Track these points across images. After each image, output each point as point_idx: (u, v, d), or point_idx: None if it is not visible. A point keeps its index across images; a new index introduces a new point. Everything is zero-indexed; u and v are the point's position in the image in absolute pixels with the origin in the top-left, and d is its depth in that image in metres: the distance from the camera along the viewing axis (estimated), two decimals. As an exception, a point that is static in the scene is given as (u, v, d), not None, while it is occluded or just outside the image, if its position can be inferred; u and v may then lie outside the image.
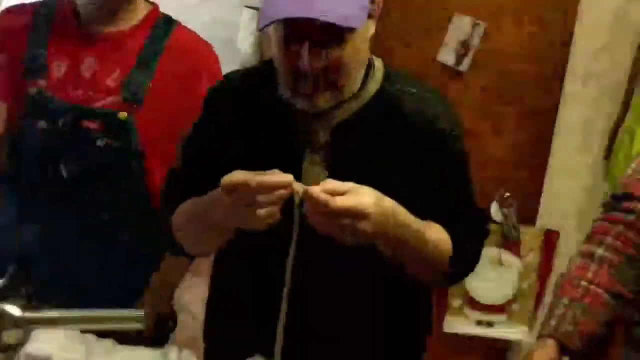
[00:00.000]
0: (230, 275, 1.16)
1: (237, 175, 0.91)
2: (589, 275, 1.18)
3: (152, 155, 1.33)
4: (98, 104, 1.31)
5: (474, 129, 2.32)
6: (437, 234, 1.05)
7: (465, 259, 1.09)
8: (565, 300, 1.15)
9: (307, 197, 0.89)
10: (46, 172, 1.31)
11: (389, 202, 0.95)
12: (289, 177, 0.91)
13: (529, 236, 2.37)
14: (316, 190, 0.89)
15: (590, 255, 1.22)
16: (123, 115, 1.29)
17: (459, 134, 1.11)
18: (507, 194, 2.35)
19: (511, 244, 2.37)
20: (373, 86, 1.08)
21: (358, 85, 1.05)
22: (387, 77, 1.09)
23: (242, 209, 0.92)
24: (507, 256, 2.39)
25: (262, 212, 0.90)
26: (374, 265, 1.03)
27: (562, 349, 1.11)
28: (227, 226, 1.01)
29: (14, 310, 0.94)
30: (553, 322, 1.12)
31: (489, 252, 2.38)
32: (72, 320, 0.96)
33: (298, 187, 0.91)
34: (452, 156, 1.10)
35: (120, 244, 1.34)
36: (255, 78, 1.13)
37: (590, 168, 2.33)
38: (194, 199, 1.08)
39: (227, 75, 1.20)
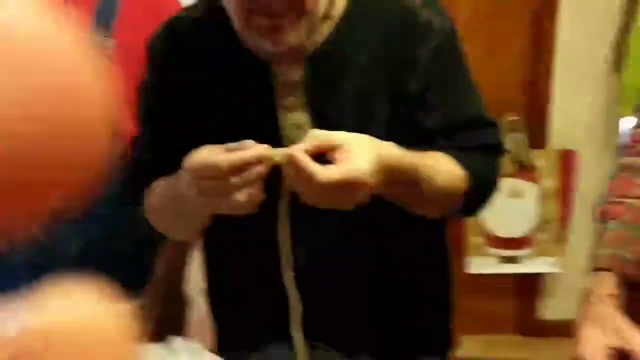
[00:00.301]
0: (225, 260, 1.01)
1: (202, 157, 0.74)
2: (637, 190, 1.01)
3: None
4: None
5: (465, 49, 2.16)
6: (446, 167, 0.87)
7: (481, 185, 0.91)
8: (614, 224, 0.98)
9: (291, 164, 0.73)
10: None
11: (386, 154, 0.78)
12: (263, 149, 0.74)
13: (544, 159, 2.22)
14: (299, 156, 0.72)
15: (631, 168, 1.05)
16: None
17: (451, 28, 0.91)
18: (514, 118, 2.19)
19: (525, 170, 2.23)
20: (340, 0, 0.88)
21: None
22: None
23: (216, 196, 0.75)
24: (522, 184, 2.24)
25: (240, 196, 0.74)
26: (378, 214, 0.88)
27: (622, 280, 0.95)
28: (203, 213, 0.85)
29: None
30: (604, 252, 0.95)
31: (503, 183, 2.23)
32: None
33: (278, 154, 0.74)
34: (448, 58, 0.91)
35: None
36: (204, 19, 0.92)
37: (598, 82, 2.19)
38: (162, 181, 0.89)
39: (169, 22, 0.95)
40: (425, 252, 1.00)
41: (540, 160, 2.22)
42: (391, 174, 0.78)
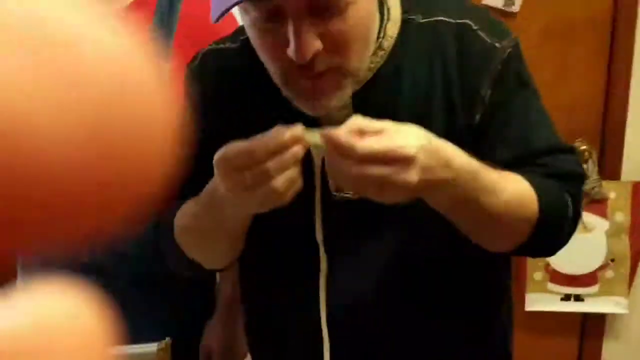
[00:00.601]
0: (260, 292, 0.96)
1: (234, 146, 0.68)
2: None
3: None
4: None
5: (535, 76, 2.05)
6: (514, 184, 0.78)
7: (555, 214, 0.80)
8: None
9: (328, 142, 0.66)
10: None
11: (441, 142, 0.70)
12: (298, 129, 0.68)
13: (615, 192, 2.07)
14: (338, 132, 0.65)
15: None
16: None
17: (515, 51, 0.82)
18: (584, 147, 2.06)
19: (595, 203, 2.09)
20: (391, 29, 0.81)
21: (371, 50, 0.79)
22: (406, 8, 0.82)
23: (252, 186, 0.68)
24: (591, 218, 2.10)
25: (279, 182, 0.67)
26: (427, 250, 0.83)
27: None
28: (239, 216, 0.79)
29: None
30: None
31: (569, 215, 2.11)
32: None
33: (315, 134, 0.68)
34: (511, 83, 0.83)
35: None
36: (242, 53, 0.85)
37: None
38: (190, 201, 0.84)
39: (207, 52, 0.90)
40: (482, 300, 0.92)
41: (612, 192, 2.08)
42: (445, 166, 0.69)
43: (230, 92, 0.87)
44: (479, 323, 0.92)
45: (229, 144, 0.69)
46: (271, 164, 0.67)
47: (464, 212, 0.76)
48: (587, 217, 2.09)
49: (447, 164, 0.70)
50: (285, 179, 0.68)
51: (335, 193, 0.82)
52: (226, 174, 0.70)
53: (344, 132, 0.65)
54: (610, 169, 2.10)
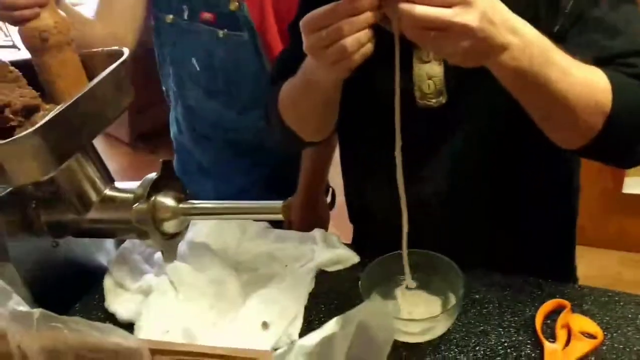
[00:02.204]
0: (356, 162, 1.09)
1: (318, 9, 0.75)
2: None
3: (272, 42, 1.26)
4: None
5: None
6: (589, 71, 0.78)
7: (633, 116, 0.80)
8: None
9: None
10: (186, 66, 1.33)
11: (509, 11, 0.72)
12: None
13: None
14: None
15: None
16: (234, 5, 1.23)
17: None
18: None
19: None
20: None
21: None
22: None
23: (326, 47, 0.75)
24: None
25: (348, 41, 0.73)
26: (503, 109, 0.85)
27: None
28: (326, 79, 0.85)
29: (169, 201, 0.95)
30: None
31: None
32: (222, 210, 0.95)
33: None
34: None
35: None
36: None
37: None
38: (293, 76, 0.95)
39: None
40: (551, 187, 1.02)
41: None
42: (511, 31, 0.71)
43: None
44: (544, 210, 1.03)
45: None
46: (344, 24, 0.72)
47: (534, 92, 0.76)
48: None
49: (513, 29, 0.71)
50: (355, 40, 0.73)
51: (419, 101, 0.92)
52: (308, 32, 0.76)
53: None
54: None
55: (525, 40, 0.72)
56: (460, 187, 0.98)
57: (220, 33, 1.25)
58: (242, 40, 1.25)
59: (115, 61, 0.95)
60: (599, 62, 0.81)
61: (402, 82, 0.79)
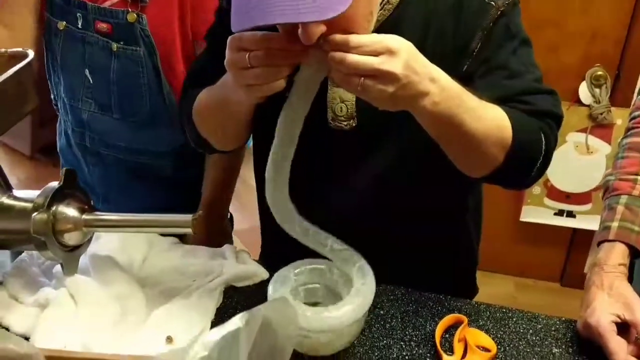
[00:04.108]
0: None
1: (251, 32, 0.77)
2: None
3: (172, 59, 1.22)
4: (107, 3, 1.20)
5: (562, 2, 2.09)
6: (494, 111, 0.87)
7: (528, 145, 0.90)
8: (624, 199, 1.01)
9: (329, 43, 0.74)
10: (78, 77, 1.27)
11: (427, 60, 0.79)
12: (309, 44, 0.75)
13: (622, 119, 2.17)
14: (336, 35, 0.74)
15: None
16: (132, 17, 1.17)
17: (511, 11, 0.92)
18: (600, 72, 2.13)
19: (600, 128, 2.19)
20: None
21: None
22: None
23: (244, 69, 0.78)
24: (595, 142, 2.21)
25: (266, 70, 0.76)
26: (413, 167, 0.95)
27: (633, 252, 0.99)
28: (239, 100, 0.89)
29: (72, 212, 0.92)
30: (615, 225, 0.99)
31: (575, 137, 2.21)
32: (128, 223, 0.93)
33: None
34: (502, 37, 0.92)
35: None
36: None
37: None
38: (212, 86, 0.97)
39: None
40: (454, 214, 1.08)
41: (619, 119, 2.17)
42: (430, 79, 0.77)
43: None
44: (449, 230, 1.09)
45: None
46: (271, 55, 0.75)
47: (450, 132, 0.84)
48: (592, 140, 2.21)
49: (432, 77, 0.78)
50: (272, 72, 0.76)
51: (331, 123, 0.95)
52: (234, 49, 0.78)
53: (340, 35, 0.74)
54: (622, 96, 2.17)
55: (443, 87, 0.80)
56: (374, 203, 1.02)
57: (115, 46, 1.20)
58: (137, 55, 1.20)
59: (18, 63, 0.92)
60: (501, 100, 0.90)
61: (318, 104, 0.83)
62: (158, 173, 1.33)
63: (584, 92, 2.16)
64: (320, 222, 0.90)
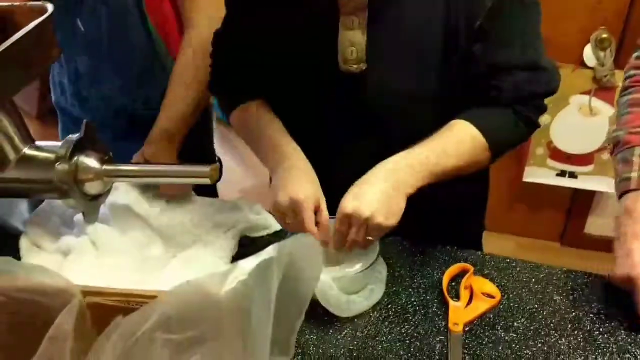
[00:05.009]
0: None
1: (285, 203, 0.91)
2: None
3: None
4: None
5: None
6: (461, 138, 0.96)
7: (509, 148, 1.02)
8: (639, 150, 1.03)
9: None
10: (70, 28, 1.27)
11: (401, 176, 0.90)
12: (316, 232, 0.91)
13: (626, 82, 2.18)
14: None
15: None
16: None
17: None
18: (604, 35, 2.13)
19: (604, 90, 2.20)
20: None
21: None
22: None
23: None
24: (598, 104, 2.23)
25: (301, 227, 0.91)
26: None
27: None
28: None
29: (92, 162, 0.95)
30: (635, 175, 1.01)
31: (578, 99, 2.23)
32: (147, 173, 0.96)
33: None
34: (512, 4, 0.94)
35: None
36: None
37: None
38: (256, 125, 1.04)
39: None
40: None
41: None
42: (407, 189, 0.91)
43: None
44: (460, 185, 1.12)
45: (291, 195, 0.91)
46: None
47: (438, 179, 0.95)
48: (595, 102, 2.22)
49: (409, 187, 0.90)
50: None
51: (342, 66, 0.98)
52: (277, 213, 0.94)
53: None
54: (626, 59, 2.16)
55: (422, 180, 0.92)
56: (383, 152, 1.05)
57: None
58: (125, 5, 1.21)
59: (39, 17, 0.93)
60: (491, 69, 0.96)
61: (327, 49, 0.88)
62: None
63: (588, 54, 2.17)
64: (330, 168, 0.96)
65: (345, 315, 0.91)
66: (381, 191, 0.89)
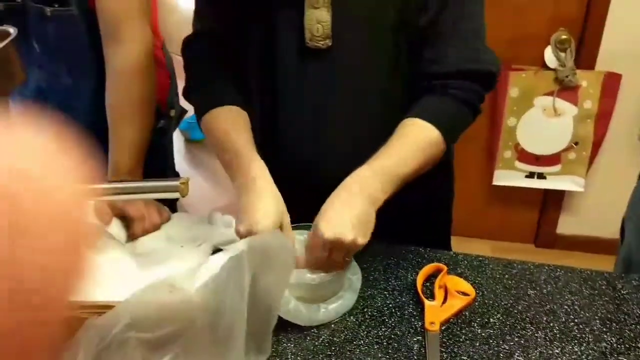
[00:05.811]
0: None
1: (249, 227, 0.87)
2: None
3: None
4: None
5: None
6: (418, 137, 1.00)
7: (456, 131, 1.04)
8: None
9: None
10: (27, 49, 1.26)
11: (365, 199, 0.91)
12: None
13: (587, 81, 2.24)
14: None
15: None
16: None
17: None
18: (564, 36, 2.19)
19: (567, 90, 2.25)
20: None
21: None
22: None
23: None
24: (562, 104, 2.28)
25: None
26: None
27: None
28: None
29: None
30: None
31: (542, 101, 2.28)
32: (118, 190, 0.95)
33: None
34: None
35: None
36: None
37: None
38: (225, 136, 1.03)
39: None
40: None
41: (584, 81, 2.24)
42: (376, 202, 0.92)
43: None
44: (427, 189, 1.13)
45: (252, 220, 0.86)
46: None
47: (405, 182, 0.97)
48: (558, 102, 2.27)
49: (378, 201, 0.92)
50: None
51: (308, 42, 1.02)
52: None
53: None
54: (586, 59, 2.24)
55: (388, 192, 0.94)
56: (349, 132, 1.08)
57: (48, 11, 1.18)
58: (70, 16, 1.19)
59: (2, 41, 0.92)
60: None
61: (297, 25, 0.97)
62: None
63: (549, 56, 2.22)
64: (295, 151, 1.04)
65: (308, 325, 0.90)
66: (357, 210, 0.89)
